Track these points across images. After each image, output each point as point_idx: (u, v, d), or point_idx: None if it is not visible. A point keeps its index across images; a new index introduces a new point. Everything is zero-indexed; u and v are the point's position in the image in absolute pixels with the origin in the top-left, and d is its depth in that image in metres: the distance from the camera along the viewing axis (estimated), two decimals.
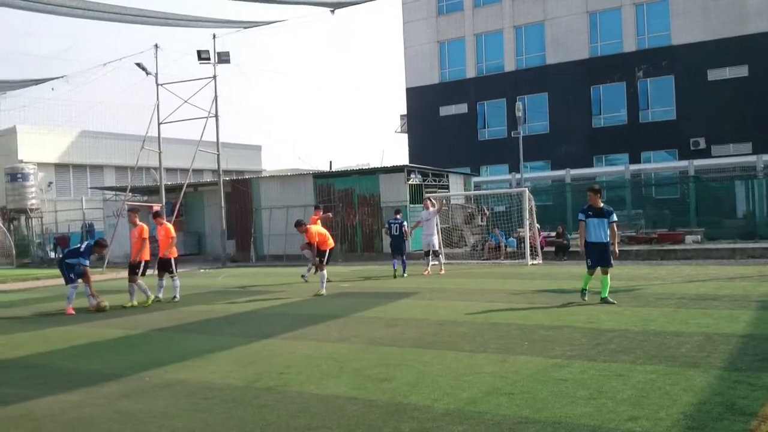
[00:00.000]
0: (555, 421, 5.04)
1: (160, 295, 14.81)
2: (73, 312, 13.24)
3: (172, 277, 14.94)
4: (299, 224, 14.98)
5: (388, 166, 29.08)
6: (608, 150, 39.78)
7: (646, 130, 38.58)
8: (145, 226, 14.73)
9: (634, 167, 34.59)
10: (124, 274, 25.41)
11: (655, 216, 29.18)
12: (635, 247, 23.75)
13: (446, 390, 6.07)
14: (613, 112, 40.06)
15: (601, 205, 11.41)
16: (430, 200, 19.85)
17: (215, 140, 30.20)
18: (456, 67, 44.93)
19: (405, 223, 19.72)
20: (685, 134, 36.92)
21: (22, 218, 39.83)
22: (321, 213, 18.68)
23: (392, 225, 19.19)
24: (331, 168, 42.98)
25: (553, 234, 24.80)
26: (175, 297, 14.64)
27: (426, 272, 18.72)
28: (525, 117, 37.68)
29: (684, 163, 32.82)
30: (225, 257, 28.90)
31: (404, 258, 18.72)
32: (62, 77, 35.56)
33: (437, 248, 19.29)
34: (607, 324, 9.12)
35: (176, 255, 15.33)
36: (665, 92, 38.48)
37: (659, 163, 36.84)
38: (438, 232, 20.03)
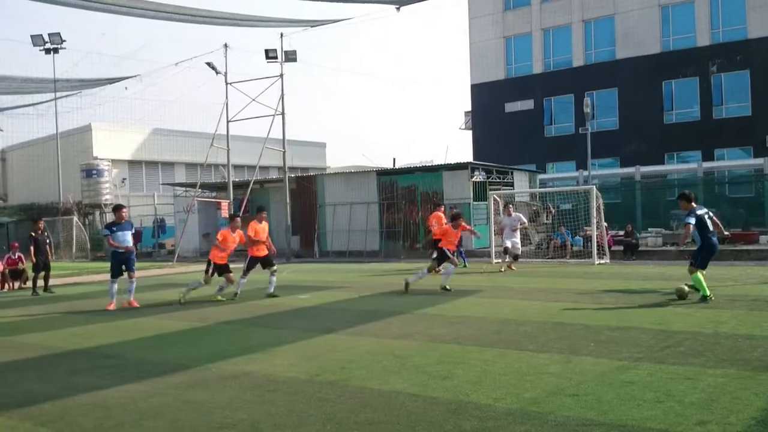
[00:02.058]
0: (620, 424, 4.93)
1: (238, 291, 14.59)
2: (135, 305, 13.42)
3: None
4: (456, 217, 14.64)
5: (452, 163, 28.94)
6: (680, 147, 38.65)
7: (719, 127, 37.32)
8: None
9: (707, 165, 33.52)
10: (194, 267, 26.14)
11: (728, 215, 28.18)
12: None
13: (508, 389, 6.01)
14: (686, 108, 38.90)
15: (689, 206, 11.35)
16: (511, 206, 20.53)
17: (281, 137, 30.65)
18: (522, 63, 44.39)
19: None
20: (761, 131, 35.52)
21: (97, 213, 41.30)
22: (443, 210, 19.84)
23: None
24: (394, 165, 43.07)
25: (622, 233, 24.25)
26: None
27: (511, 268, 18.97)
28: (593, 113, 36.95)
29: (759, 160, 31.63)
30: (289, 253, 29.32)
31: (462, 251, 20.38)
32: (135, 76, 36.77)
33: (509, 246, 19.32)
34: (676, 326, 8.87)
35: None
36: (740, 87, 37.12)
37: (733, 161, 35.60)
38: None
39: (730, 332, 8.29)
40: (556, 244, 23.36)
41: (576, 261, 21.41)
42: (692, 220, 10.99)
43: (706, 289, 11.01)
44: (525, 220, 20.55)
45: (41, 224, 18.92)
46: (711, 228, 11.22)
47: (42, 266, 17.94)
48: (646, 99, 39.39)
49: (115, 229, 13.48)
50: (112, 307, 13.21)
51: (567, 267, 19.71)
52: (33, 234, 18.26)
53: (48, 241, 18.80)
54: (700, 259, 11.19)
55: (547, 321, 9.62)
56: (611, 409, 5.29)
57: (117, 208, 13.92)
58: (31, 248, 17.97)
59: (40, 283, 17.97)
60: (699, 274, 11.08)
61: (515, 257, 19.47)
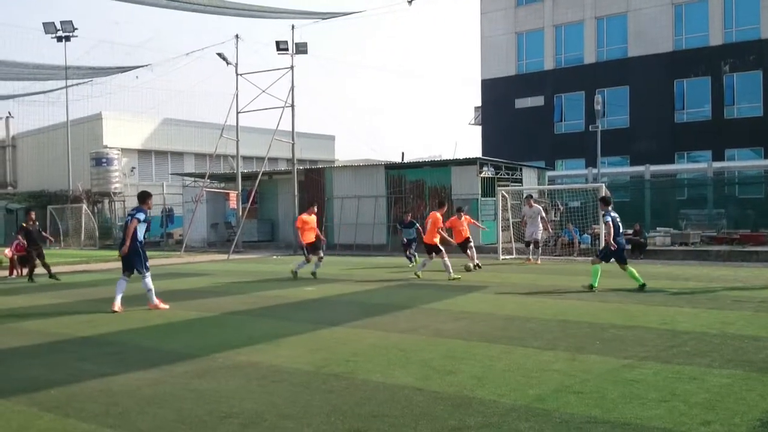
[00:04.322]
0: (625, 422, 4.93)
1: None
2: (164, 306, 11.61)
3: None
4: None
5: (461, 158, 28.89)
6: (690, 146, 38.47)
7: (731, 127, 37.11)
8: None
9: (717, 165, 33.32)
10: (200, 258, 26.22)
11: (737, 216, 28.07)
12: (716, 248, 22.92)
13: (513, 386, 6.01)
14: (697, 108, 38.68)
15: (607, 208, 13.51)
16: (532, 197, 21.38)
17: (291, 129, 30.66)
18: (533, 59, 44.21)
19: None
20: None
21: (106, 201, 41.45)
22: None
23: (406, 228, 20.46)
24: (403, 159, 43.05)
25: (630, 232, 24.16)
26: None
27: (534, 262, 20.13)
28: (604, 110, 36.79)
29: None
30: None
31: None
32: (147, 66, 36.86)
33: (538, 239, 20.39)
34: (683, 326, 8.85)
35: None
36: (752, 88, 36.85)
37: (744, 161, 35.38)
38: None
39: (736, 333, 8.27)
40: (564, 241, 23.32)
41: (583, 259, 21.33)
42: (609, 219, 13.03)
43: (597, 281, 12.81)
44: (543, 214, 20.98)
45: (33, 215, 19.04)
46: (620, 230, 13.21)
47: (36, 256, 18.00)
48: (657, 97, 39.20)
49: (147, 217, 11.61)
50: (163, 305, 11.51)
51: (574, 264, 19.69)
52: (25, 225, 18.32)
53: (39, 231, 18.96)
54: (603, 254, 13.28)
55: (553, 318, 9.62)
56: (615, 407, 5.29)
57: (149, 196, 11.86)
58: (23, 240, 18.04)
59: (26, 269, 18.24)
60: (598, 266, 13.01)
61: (536, 244, 20.40)
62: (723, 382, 5.97)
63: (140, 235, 11.36)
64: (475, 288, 13.76)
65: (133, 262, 11.40)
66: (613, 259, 13.10)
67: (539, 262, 20.22)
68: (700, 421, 4.92)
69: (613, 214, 13.24)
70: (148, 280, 11.39)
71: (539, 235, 20.40)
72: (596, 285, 12.76)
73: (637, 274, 12.89)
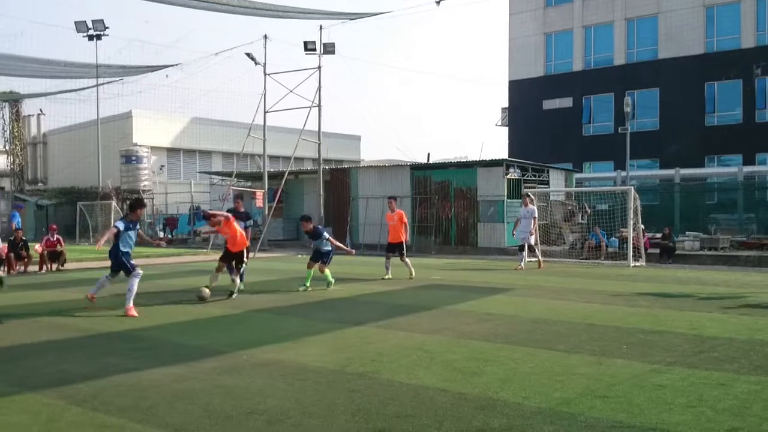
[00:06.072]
0: (650, 427, 4.90)
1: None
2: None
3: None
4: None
5: (487, 159, 28.79)
6: (721, 150, 37.95)
7: (762, 131, 36.54)
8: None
9: (747, 169, 32.88)
10: None
11: None
12: (745, 253, 22.60)
13: (538, 388, 5.99)
14: (728, 111, 38.16)
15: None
16: (529, 197, 20.04)
17: (317, 129, 30.79)
18: (562, 60, 43.94)
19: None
20: None
21: None
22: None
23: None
24: (428, 160, 43.00)
25: (659, 235, 23.91)
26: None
27: (519, 267, 18.80)
28: (633, 113, 36.45)
29: None
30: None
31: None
32: (177, 65, 37.22)
33: (532, 243, 19.39)
34: (711, 331, 8.75)
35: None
36: None
37: None
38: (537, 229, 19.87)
39: (765, 339, 8.15)
40: (591, 244, 23.12)
41: (611, 262, 21.16)
42: (327, 234, 14.37)
43: (309, 280, 14.09)
44: (536, 215, 19.90)
45: None
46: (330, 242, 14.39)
47: None
48: (687, 100, 38.74)
49: (129, 227, 11.06)
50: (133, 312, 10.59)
51: (601, 268, 19.52)
52: None
53: None
54: (313, 258, 14.41)
55: (579, 322, 9.55)
56: (642, 412, 5.26)
57: (139, 206, 11.56)
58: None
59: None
60: (311, 271, 14.25)
61: (531, 248, 19.46)
62: (751, 389, 5.90)
63: (123, 246, 10.89)
64: (500, 290, 13.70)
65: (119, 264, 10.99)
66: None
67: (521, 266, 18.78)
68: (727, 428, 4.86)
69: (323, 230, 14.65)
70: (136, 281, 10.82)
71: (531, 238, 19.33)
72: (308, 285, 13.99)
73: (330, 277, 14.18)
